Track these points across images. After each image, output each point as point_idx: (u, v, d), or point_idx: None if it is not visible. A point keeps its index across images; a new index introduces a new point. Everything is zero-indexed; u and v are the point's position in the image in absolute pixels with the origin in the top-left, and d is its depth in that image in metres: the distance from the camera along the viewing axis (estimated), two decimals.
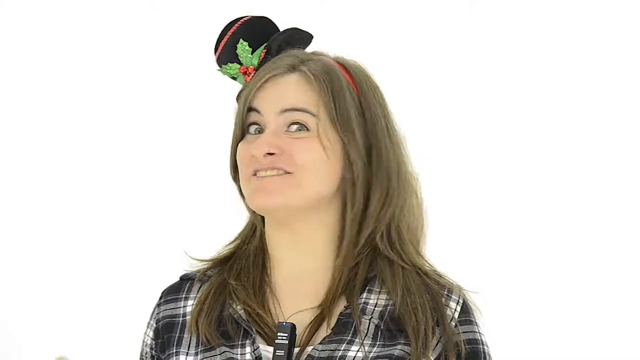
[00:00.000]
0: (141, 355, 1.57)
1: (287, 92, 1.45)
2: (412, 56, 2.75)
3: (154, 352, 1.53)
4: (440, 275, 1.49)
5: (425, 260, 1.50)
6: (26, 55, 2.87)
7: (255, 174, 1.44)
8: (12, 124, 2.88)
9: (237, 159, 1.47)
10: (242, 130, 1.47)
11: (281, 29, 1.52)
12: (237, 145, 1.49)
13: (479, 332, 1.47)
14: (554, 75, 2.74)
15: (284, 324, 1.40)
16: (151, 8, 2.90)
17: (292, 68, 1.48)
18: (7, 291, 2.86)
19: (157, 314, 1.55)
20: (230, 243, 1.55)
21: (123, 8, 2.88)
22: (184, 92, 2.77)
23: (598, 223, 2.73)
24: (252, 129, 1.47)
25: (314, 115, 1.45)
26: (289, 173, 1.43)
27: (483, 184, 2.74)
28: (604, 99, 2.74)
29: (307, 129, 1.45)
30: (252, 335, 1.43)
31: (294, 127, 1.45)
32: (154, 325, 1.55)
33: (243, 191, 1.47)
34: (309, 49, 1.55)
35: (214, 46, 1.48)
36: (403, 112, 2.70)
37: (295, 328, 1.41)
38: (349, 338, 1.41)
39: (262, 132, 1.46)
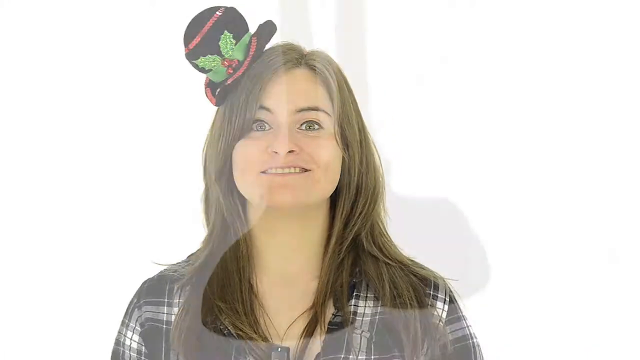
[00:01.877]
0: (119, 356, 1.53)
1: (300, 90, 1.45)
2: (412, 51, 2.75)
3: (143, 357, 1.50)
4: (421, 267, 1.48)
5: (401, 252, 1.50)
6: (25, 54, 2.87)
7: (264, 172, 1.42)
8: (9, 123, 2.88)
9: (239, 156, 1.44)
10: (242, 128, 1.44)
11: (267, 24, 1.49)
12: (231, 143, 1.45)
13: (467, 326, 1.46)
14: (556, 71, 2.74)
15: (279, 350, 1.40)
16: (152, 9, 2.90)
17: (298, 63, 1.46)
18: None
19: (138, 316, 1.51)
20: (203, 249, 1.51)
21: (123, 8, 2.88)
22: (182, 93, 2.76)
23: (590, 220, 2.73)
24: (255, 125, 1.44)
25: (328, 114, 1.44)
26: (307, 170, 1.42)
27: (487, 182, 2.74)
28: (604, 95, 2.74)
29: (322, 127, 1.44)
30: (246, 355, 1.42)
31: (306, 124, 1.43)
32: (139, 329, 1.51)
33: (248, 190, 1.45)
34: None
35: (184, 37, 1.44)
36: (402, 107, 2.71)
37: (289, 351, 1.40)
38: (342, 356, 1.40)
39: (264, 130, 1.43)
